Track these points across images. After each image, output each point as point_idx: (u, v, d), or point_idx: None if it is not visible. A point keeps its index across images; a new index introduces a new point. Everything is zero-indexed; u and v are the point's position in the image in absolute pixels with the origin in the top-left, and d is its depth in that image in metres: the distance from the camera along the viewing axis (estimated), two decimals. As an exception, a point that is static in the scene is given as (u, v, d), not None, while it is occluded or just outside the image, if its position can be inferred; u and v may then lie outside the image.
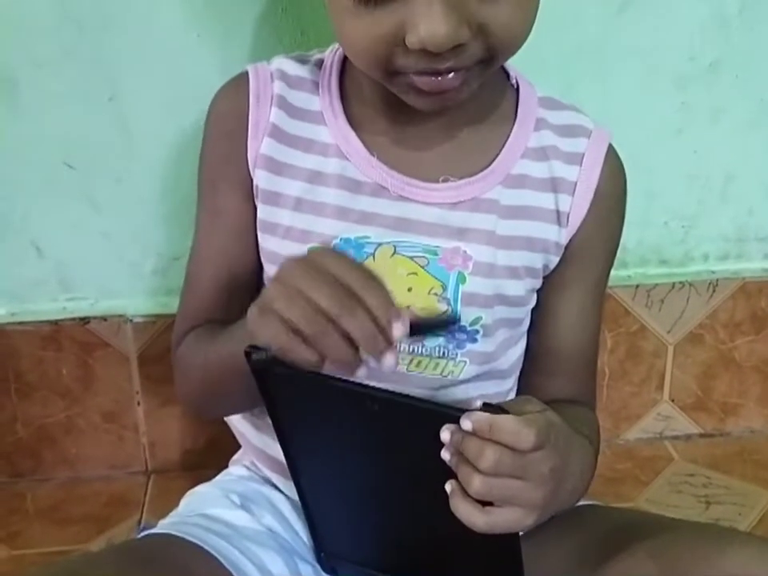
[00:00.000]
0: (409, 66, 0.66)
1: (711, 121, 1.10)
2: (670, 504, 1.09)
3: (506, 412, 0.58)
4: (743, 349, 1.19)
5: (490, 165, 0.77)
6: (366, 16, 0.65)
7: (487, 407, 0.58)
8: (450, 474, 0.59)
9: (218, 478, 0.87)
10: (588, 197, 0.80)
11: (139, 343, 1.09)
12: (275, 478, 0.82)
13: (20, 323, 1.07)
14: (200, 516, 0.77)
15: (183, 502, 0.83)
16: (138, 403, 1.11)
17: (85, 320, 1.07)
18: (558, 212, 0.79)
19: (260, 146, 0.77)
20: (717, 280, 1.16)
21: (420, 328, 0.60)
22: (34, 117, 1.00)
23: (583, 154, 0.80)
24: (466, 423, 0.57)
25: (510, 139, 0.78)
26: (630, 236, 1.12)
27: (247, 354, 0.61)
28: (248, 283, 0.80)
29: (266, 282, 0.80)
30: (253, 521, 0.78)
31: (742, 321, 1.18)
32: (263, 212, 0.78)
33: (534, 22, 0.68)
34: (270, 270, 0.79)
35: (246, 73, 0.80)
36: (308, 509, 0.74)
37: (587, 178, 0.80)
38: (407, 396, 0.59)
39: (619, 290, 1.13)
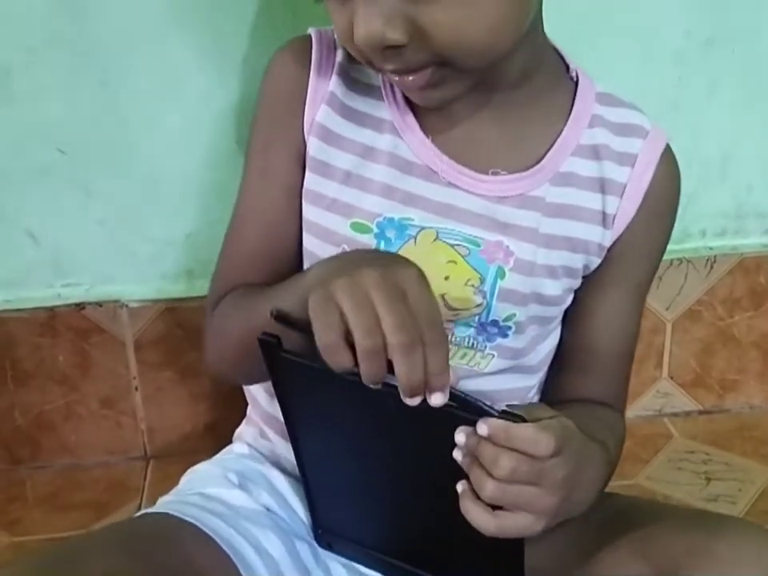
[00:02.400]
0: (374, 63, 0.67)
1: (708, 96, 1.09)
2: (671, 481, 1.09)
3: (522, 419, 0.57)
4: (742, 325, 1.19)
5: (540, 161, 0.76)
6: (336, 11, 0.66)
7: (504, 414, 0.57)
8: (460, 471, 0.59)
9: (218, 455, 0.87)
10: (637, 200, 0.78)
11: (135, 328, 1.08)
12: (282, 445, 0.82)
13: (15, 310, 1.07)
14: (198, 495, 0.77)
15: (183, 480, 0.83)
16: (136, 388, 1.11)
17: (80, 306, 1.07)
18: (603, 213, 0.77)
19: (317, 112, 0.76)
20: (715, 256, 1.15)
21: (458, 400, 0.58)
22: (27, 103, 1.00)
23: (636, 156, 0.78)
24: (483, 429, 0.57)
25: (561, 136, 0.76)
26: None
27: (259, 339, 0.61)
28: (291, 248, 0.79)
29: (304, 252, 0.79)
30: (250, 500, 0.77)
31: (740, 297, 1.17)
32: (310, 181, 0.77)
33: (503, 26, 0.65)
34: (307, 240, 0.78)
35: (310, 36, 0.78)
36: (308, 485, 0.74)
37: (638, 181, 0.78)
38: None
39: (617, 268, 1.13)
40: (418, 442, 0.61)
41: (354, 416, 0.61)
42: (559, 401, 0.82)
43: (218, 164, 1.03)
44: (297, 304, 0.61)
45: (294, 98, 0.77)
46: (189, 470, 0.84)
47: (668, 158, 0.80)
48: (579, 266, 0.78)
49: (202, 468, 0.84)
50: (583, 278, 0.80)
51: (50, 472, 1.12)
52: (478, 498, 0.58)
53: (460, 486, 0.59)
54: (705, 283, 1.16)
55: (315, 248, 0.77)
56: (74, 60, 0.98)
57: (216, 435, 1.08)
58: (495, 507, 0.59)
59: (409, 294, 0.57)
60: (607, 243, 0.78)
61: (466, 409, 0.58)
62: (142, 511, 0.76)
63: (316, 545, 0.77)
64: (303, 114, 0.77)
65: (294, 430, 0.70)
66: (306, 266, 0.79)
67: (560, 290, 0.78)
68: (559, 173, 0.76)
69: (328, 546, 0.77)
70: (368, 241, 0.74)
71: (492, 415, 0.57)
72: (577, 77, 0.79)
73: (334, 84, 0.77)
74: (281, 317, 0.61)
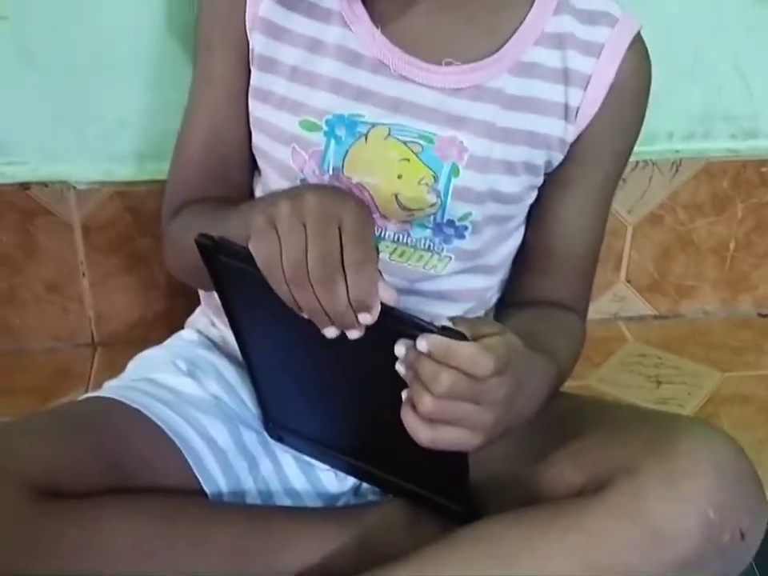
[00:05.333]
0: None
1: (681, -8, 1.06)
2: (622, 384, 1.10)
3: (463, 336, 0.56)
4: (702, 231, 1.18)
5: (499, 50, 0.73)
6: None
7: (445, 331, 0.56)
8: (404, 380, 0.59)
9: (168, 341, 0.86)
10: (601, 92, 0.75)
11: (83, 211, 1.05)
12: (231, 336, 0.80)
13: (-45, 188, 1.03)
14: (145, 381, 0.77)
15: (130, 365, 0.83)
16: (83, 274, 1.09)
17: (25, 185, 1.03)
18: (566, 106, 0.75)
19: (259, 7, 0.74)
20: (680, 159, 1.14)
21: (393, 316, 0.57)
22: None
23: (603, 45, 0.74)
24: (422, 344, 0.56)
25: (525, 22, 0.74)
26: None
27: (196, 241, 0.60)
28: (240, 153, 0.78)
29: (255, 150, 0.78)
30: (198, 388, 0.77)
31: (702, 202, 1.17)
32: (257, 78, 0.75)
33: None
34: (257, 138, 0.77)
35: None
36: (256, 382, 0.74)
37: (603, 72, 0.75)
38: None
39: (581, 168, 1.11)
40: (363, 352, 0.60)
41: (295, 322, 0.60)
42: (518, 302, 0.82)
43: (170, 42, 0.99)
44: (243, 228, 0.59)
45: None
46: (137, 356, 0.84)
47: (637, 48, 0.76)
48: (540, 162, 0.76)
49: (150, 353, 0.83)
50: (546, 175, 0.78)
51: (-7, 356, 1.10)
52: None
53: (404, 394, 0.59)
54: (669, 187, 1.15)
55: (265, 145, 0.76)
56: None
57: (166, 324, 1.06)
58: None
59: (344, 224, 0.56)
60: (570, 138, 0.76)
61: (406, 324, 0.57)
62: (87, 395, 0.75)
63: (264, 433, 0.77)
64: (245, 10, 0.74)
65: (238, 330, 0.69)
66: (259, 162, 0.78)
67: (519, 187, 0.76)
68: (521, 62, 0.74)
69: (279, 439, 0.77)
70: (317, 139, 0.73)
71: (432, 331, 0.56)
72: None
73: None
74: (200, 243, 0.60)
